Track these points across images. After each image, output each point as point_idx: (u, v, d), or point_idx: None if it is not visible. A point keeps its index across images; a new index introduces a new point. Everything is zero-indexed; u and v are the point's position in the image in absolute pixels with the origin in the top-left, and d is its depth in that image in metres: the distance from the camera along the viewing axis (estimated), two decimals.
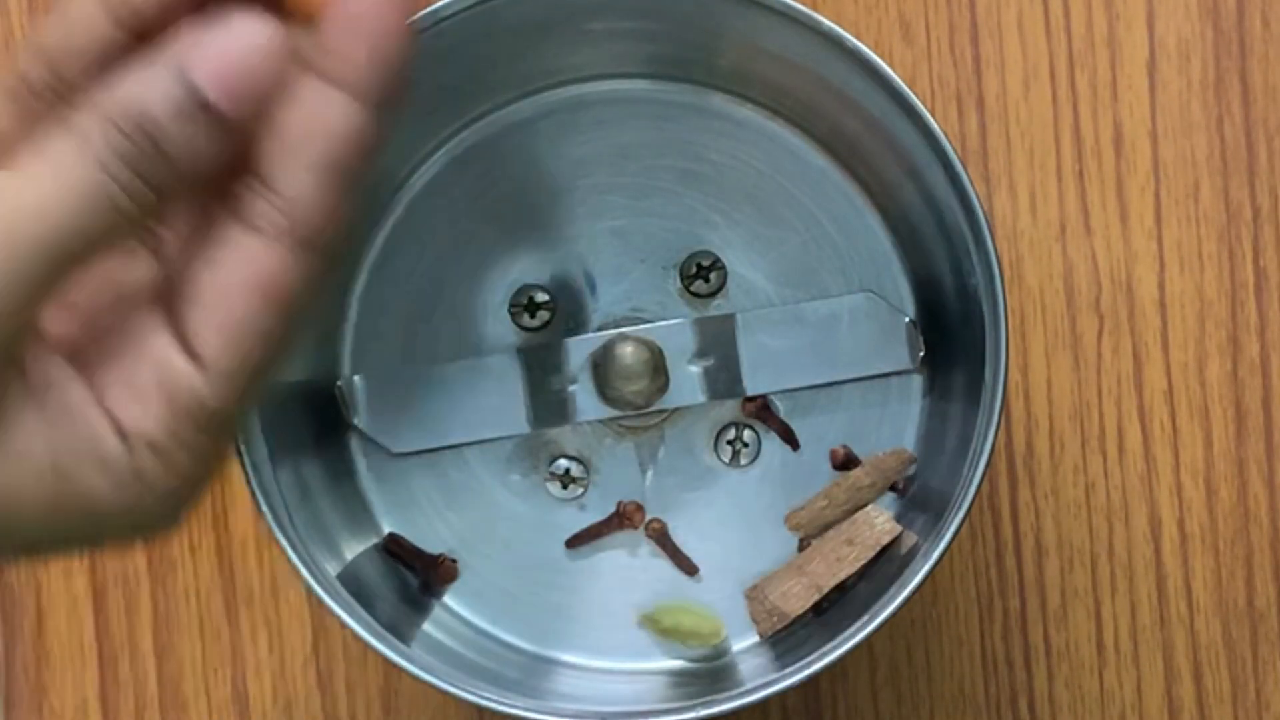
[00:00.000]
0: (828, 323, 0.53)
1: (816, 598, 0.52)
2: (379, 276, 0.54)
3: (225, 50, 0.33)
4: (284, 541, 0.47)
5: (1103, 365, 0.57)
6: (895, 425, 0.53)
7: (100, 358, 0.35)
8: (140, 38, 0.35)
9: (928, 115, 0.47)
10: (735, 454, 0.54)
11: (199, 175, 0.33)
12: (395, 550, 0.53)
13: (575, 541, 0.54)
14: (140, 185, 0.32)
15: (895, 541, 0.52)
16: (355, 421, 0.53)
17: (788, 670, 0.48)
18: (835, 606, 0.52)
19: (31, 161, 0.32)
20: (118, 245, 0.34)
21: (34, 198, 0.32)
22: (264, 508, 0.47)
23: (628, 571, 0.54)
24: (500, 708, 0.47)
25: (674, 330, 0.53)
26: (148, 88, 0.32)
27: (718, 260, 0.54)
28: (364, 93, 0.35)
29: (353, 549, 0.52)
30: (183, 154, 0.33)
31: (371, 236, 0.54)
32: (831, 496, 0.53)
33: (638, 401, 0.52)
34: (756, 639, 0.53)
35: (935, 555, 0.46)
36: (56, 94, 0.35)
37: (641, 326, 0.53)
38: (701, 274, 0.54)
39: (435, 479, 0.54)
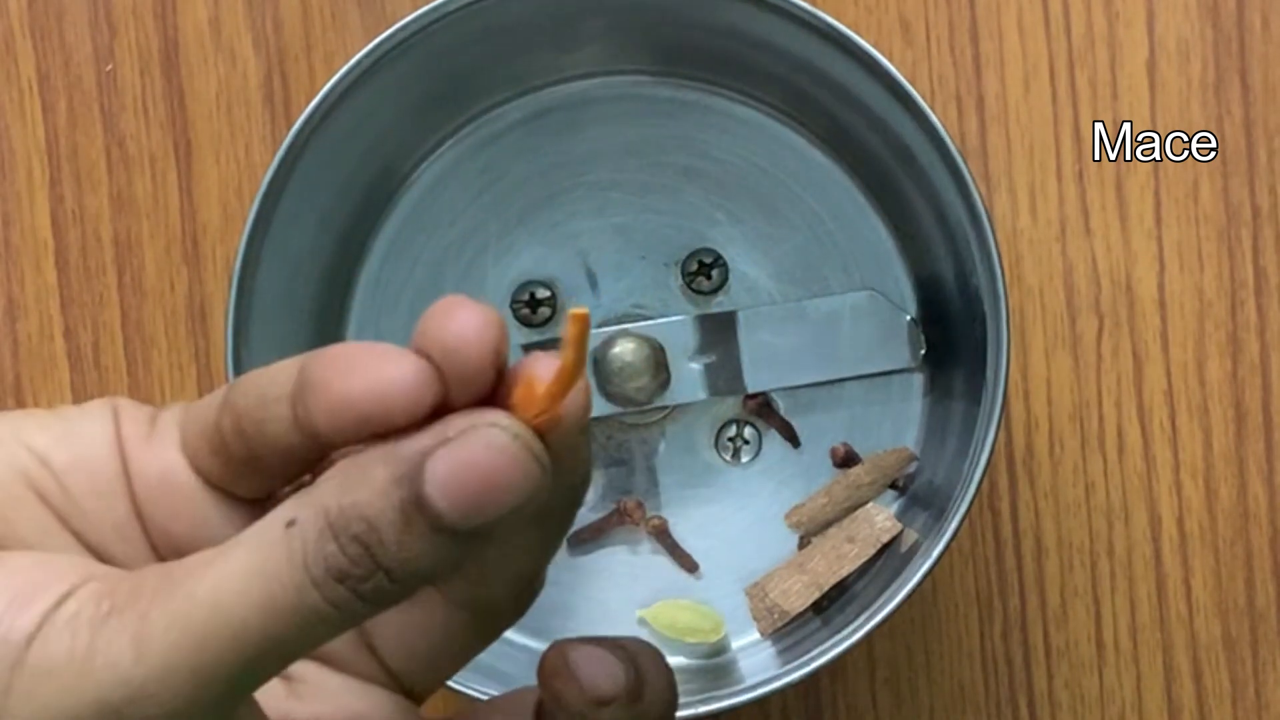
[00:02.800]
0: (829, 320, 0.53)
1: (817, 595, 0.52)
2: (381, 272, 0.53)
3: (466, 460, 0.27)
4: None
5: (1103, 365, 0.57)
6: (896, 423, 0.53)
7: None
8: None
9: (930, 112, 0.47)
10: (736, 451, 0.54)
11: (423, 585, 0.29)
12: None
13: (576, 538, 0.54)
14: (348, 596, 0.28)
15: (895, 539, 0.52)
16: None
17: (788, 667, 0.48)
18: (835, 604, 0.52)
19: (236, 553, 0.28)
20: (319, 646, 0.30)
21: (231, 597, 0.27)
22: None
23: (628, 569, 0.54)
24: None
25: (675, 327, 0.53)
26: (371, 491, 0.28)
27: (719, 257, 0.54)
28: None
29: None
30: (400, 568, 0.28)
31: (375, 232, 0.54)
32: (832, 494, 0.53)
33: (639, 398, 0.52)
34: (757, 636, 0.52)
35: (935, 553, 0.46)
36: (249, 452, 0.31)
37: (643, 323, 0.53)
38: (703, 271, 0.54)
39: None
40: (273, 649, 0.28)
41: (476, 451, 0.27)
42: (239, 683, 0.28)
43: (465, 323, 0.28)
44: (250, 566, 0.27)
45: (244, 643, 0.27)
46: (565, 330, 0.28)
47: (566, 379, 0.28)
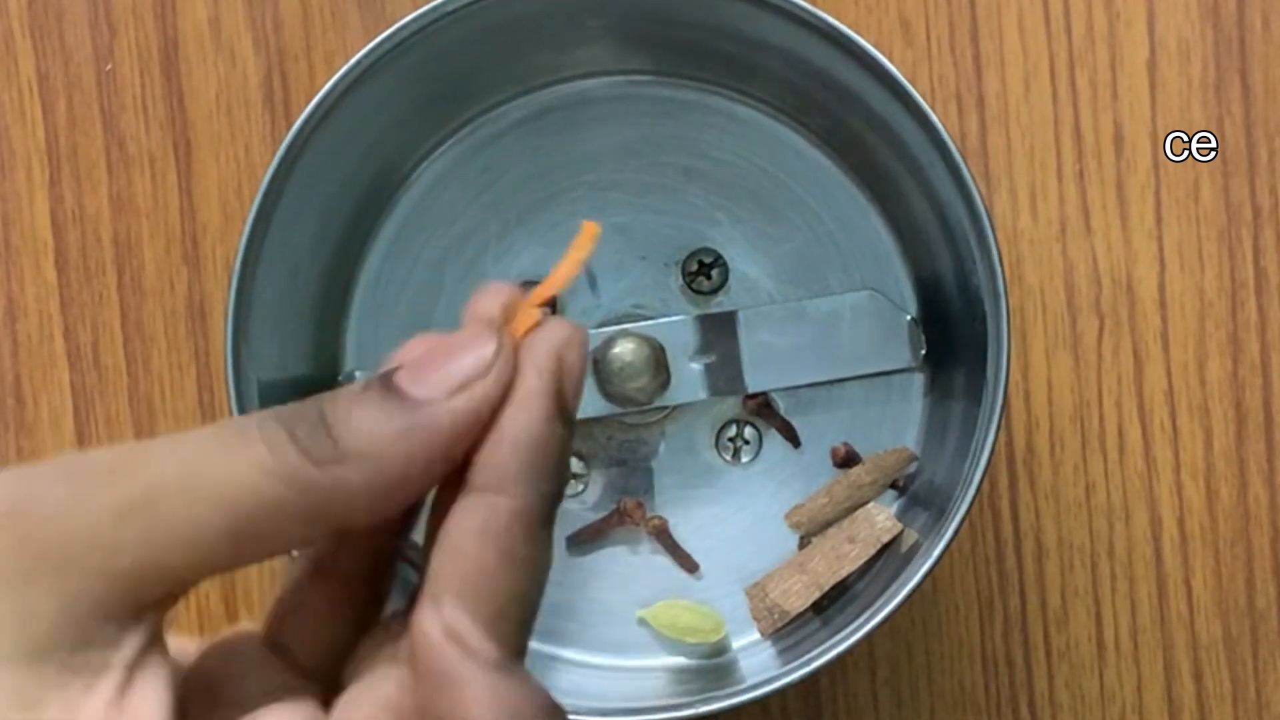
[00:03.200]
0: (829, 320, 0.53)
1: (817, 595, 0.52)
2: (381, 271, 0.53)
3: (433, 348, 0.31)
4: None
5: (1103, 365, 0.57)
6: (896, 423, 0.53)
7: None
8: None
9: (930, 112, 0.47)
10: (736, 451, 0.54)
11: (368, 470, 0.31)
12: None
13: (576, 538, 0.54)
14: (291, 448, 0.30)
15: (896, 539, 0.51)
16: None
17: (788, 667, 0.47)
18: (835, 604, 0.52)
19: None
20: (281, 547, 0.32)
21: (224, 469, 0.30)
22: None
23: (629, 569, 0.54)
24: None
25: (675, 327, 0.53)
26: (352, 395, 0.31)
27: (720, 257, 0.54)
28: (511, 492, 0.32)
29: None
30: (344, 430, 0.31)
31: (375, 231, 0.54)
32: (832, 494, 0.53)
33: (639, 398, 0.52)
34: (757, 636, 0.52)
35: (936, 553, 0.46)
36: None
37: (643, 323, 0.53)
38: (703, 271, 0.54)
39: None
40: (218, 513, 0.30)
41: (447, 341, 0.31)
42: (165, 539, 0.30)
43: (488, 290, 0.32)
44: (205, 434, 0.30)
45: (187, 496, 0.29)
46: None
47: (556, 283, 0.32)
